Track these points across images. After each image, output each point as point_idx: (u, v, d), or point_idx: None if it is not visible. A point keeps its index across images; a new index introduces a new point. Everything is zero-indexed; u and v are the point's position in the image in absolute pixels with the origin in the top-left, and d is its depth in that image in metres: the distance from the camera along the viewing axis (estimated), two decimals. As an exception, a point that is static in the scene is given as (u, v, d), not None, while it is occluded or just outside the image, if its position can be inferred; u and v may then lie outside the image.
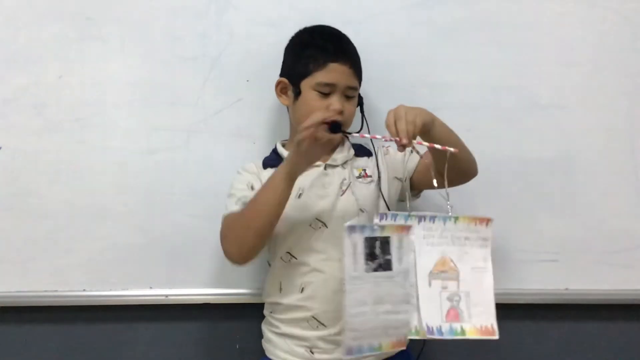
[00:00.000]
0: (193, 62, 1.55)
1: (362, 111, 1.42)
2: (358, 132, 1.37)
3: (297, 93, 1.37)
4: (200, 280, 1.56)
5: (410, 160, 1.36)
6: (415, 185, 1.40)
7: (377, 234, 1.13)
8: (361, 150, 1.43)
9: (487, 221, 1.19)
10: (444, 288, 1.15)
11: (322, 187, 1.35)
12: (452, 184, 1.23)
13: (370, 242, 1.12)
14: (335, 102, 1.33)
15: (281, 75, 1.42)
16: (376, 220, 1.14)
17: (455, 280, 1.16)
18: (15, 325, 1.59)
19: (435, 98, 1.58)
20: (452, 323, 1.13)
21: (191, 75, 1.55)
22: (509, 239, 1.59)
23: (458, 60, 1.58)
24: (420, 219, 1.16)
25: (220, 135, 1.55)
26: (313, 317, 1.31)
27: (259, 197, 1.26)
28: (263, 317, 1.42)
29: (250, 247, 1.27)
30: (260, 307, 1.44)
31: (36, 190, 1.54)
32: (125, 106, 1.55)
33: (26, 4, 1.53)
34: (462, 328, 1.14)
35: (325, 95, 1.34)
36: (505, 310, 1.61)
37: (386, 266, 1.13)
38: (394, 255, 1.13)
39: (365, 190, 1.36)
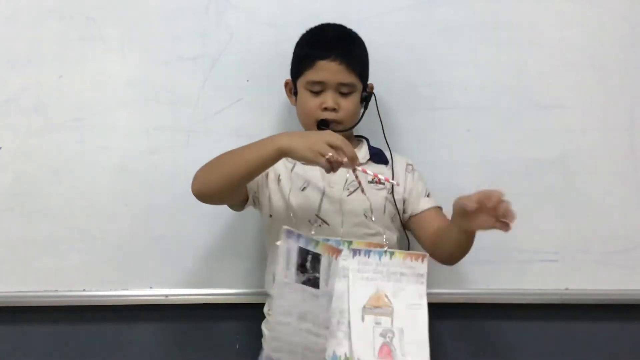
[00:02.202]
0: (193, 62, 1.55)
1: (365, 108, 1.41)
2: (346, 129, 1.37)
3: (296, 92, 1.38)
4: (200, 280, 1.56)
5: (424, 201, 1.38)
6: (406, 225, 1.40)
7: (311, 247, 1.10)
8: (379, 157, 1.42)
9: (423, 257, 1.17)
10: (377, 324, 1.13)
11: (329, 185, 1.34)
12: (435, 256, 1.26)
13: (303, 253, 1.10)
14: (327, 99, 1.33)
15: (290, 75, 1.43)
16: (313, 232, 1.13)
17: (389, 316, 1.14)
18: (15, 325, 1.59)
19: (435, 98, 1.58)
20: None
21: (191, 75, 1.55)
22: (509, 239, 1.59)
23: (458, 60, 1.58)
24: (355, 252, 1.15)
25: (220, 135, 1.55)
26: None
27: (244, 149, 1.22)
28: (263, 317, 1.42)
29: (210, 184, 1.23)
30: (260, 307, 1.44)
31: (36, 190, 1.54)
32: (125, 106, 1.55)
33: (26, 4, 1.53)
34: None
35: (317, 93, 1.34)
36: (505, 310, 1.63)
37: (314, 283, 1.10)
38: (322, 275, 1.11)
39: (374, 196, 1.34)
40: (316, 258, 1.11)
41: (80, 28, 1.54)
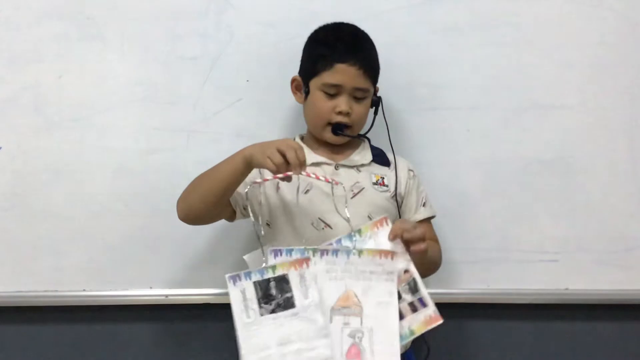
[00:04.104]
0: (193, 62, 1.55)
1: (375, 113, 1.41)
2: (357, 136, 1.38)
3: (307, 92, 1.36)
4: (200, 280, 1.56)
5: (419, 211, 1.40)
6: None
7: (269, 275, 1.10)
8: (380, 158, 1.41)
9: (392, 255, 1.14)
10: (346, 324, 1.11)
11: (332, 186, 1.33)
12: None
13: (262, 284, 1.10)
14: (342, 103, 1.32)
15: (298, 72, 1.41)
16: (271, 260, 1.11)
17: (358, 315, 1.12)
18: (15, 325, 1.59)
19: (435, 98, 1.58)
20: None
21: (191, 75, 1.55)
22: (509, 239, 1.60)
23: (458, 60, 1.58)
24: (323, 253, 1.13)
25: (220, 135, 1.55)
26: None
27: (217, 165, 1.26)
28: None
29: (193, 207, 1.29)
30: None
31: (36, 190, 1.54)
32: (125, 106, 1.55)
33: (26, 4, 1.53)
34: None
35: (332, 96, 1.32)
36: (505, 310, 1.63)
37: (287, 305, 1.09)
38: (296, 291, 1.10)
39: (378, 199, 1.34)
40: (282, 280, 1.11)
41: (80, 28, 1.54)
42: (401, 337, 1.12)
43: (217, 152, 1.49)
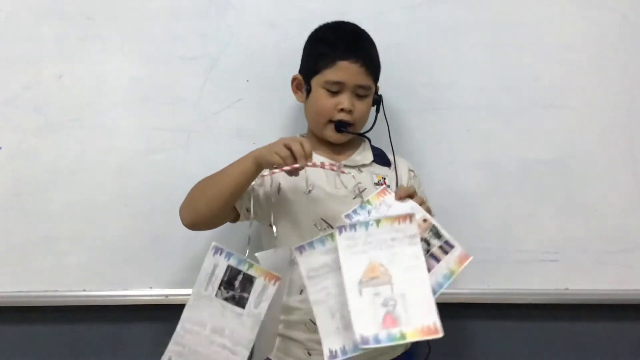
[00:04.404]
0: (193, 62, 1.55)
1: (377, 111, 1.41)
2: (360, 134, 1.38)
3: (308, 90, 1.36)
4: (200, 280, 1.56)
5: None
6: None
7: (243, 268, 1.13)
8: (381, 159, 1.41)
9: (410, 218, 1.13)
10: (377, 294, 1.10)
11: (334, 186, 1.33)
12: None
13: (232, 272, 1.13)
14: (344, 100, 1.32)
15: (299, 71, 1.41)
16: (295, 254, 1.14)
17: (388, 284, 1.11)
18: (15, 325, 1.59)
19: (435, 98, 1.58)
20: (390, 329, 1.08)
21: (191, 75, 1.55)
22: (509, 239, 1.60)
23: (458, 60, 1.58)
24: (341, 229, 1.13)
25: (220, 135, 1.55)
26: (310, 320, 1.28)
27: (225, 169, 1.26)
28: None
29: (199, 212, 1.29)
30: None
31: (36, 190, 1.54)
32: (125, 106, 1.55)
33: (26, 4, 1.53)
34: (401, 332, 1.08)
35: (334, 93, 1.33)
36: (506, 310, 1.63)
37: (239, 302, 1.13)
38: (252, 297, 1.13)
39: None
40: (248, 279, 1.13)
41: (80, 28, 1.54)
42: (444, 278, 1.15)
43: (217, 152, 1.50)
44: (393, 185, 1.37)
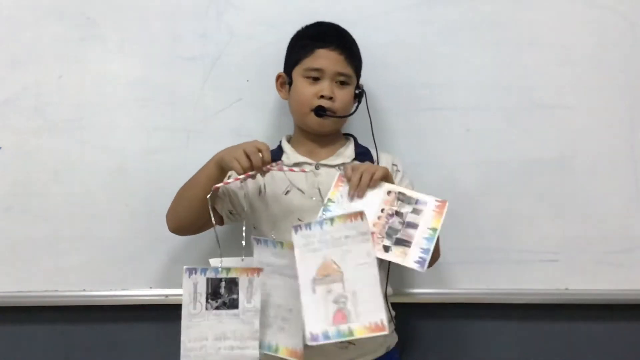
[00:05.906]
0: (193, 62, 1.55)
1: (358, 102, 1.41)
2: (342, 116, 1.38)
3: (290, 82, 1.38)
4: (200, 280, 1.56)
5: None
6: None
7: (222, 275, 1.18)
8: (364, 156, 1.41)
9: (361, 215, 1.15)
10: (329, 292, 1.13)
11: (311, 186, 1.33)
12: None
13: (214, 282, 1.18)
14: (324, 87, 1.33)
15: (283, 69, 1.43)
16: (253, 243, 1.20)
17: (339, 281, 1.14)
18: (15, 325, 1.59)
19: (435, 98, 1.58)
20: (340, 325, 1.11)
21: (191, 75, 1.55)
22: (509, 239, 1.60)
23: (458, 60, 1.58)
24: (297, 228, 1.16)
25: (220, 135, 1.55)
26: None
27: (195, 174, 1.30)
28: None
29: (180, 218, 1.33)
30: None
31: (36, 190, 1.54)
32: (125, 106, 1.55)
33: (26, 4, 1.53)
34: (349, 329, 1.11)
35: (315, 80, 1.34)
36: (506, 310, 1.63)
37: (231, 305, 1.18)
38: (242, 295, 1.18)
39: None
40: (232, 282, 1.18)
41: (80, 28, 1.54)
42: (428, 240, 1.16)
43: (217, 152, 1.49)
44: None
